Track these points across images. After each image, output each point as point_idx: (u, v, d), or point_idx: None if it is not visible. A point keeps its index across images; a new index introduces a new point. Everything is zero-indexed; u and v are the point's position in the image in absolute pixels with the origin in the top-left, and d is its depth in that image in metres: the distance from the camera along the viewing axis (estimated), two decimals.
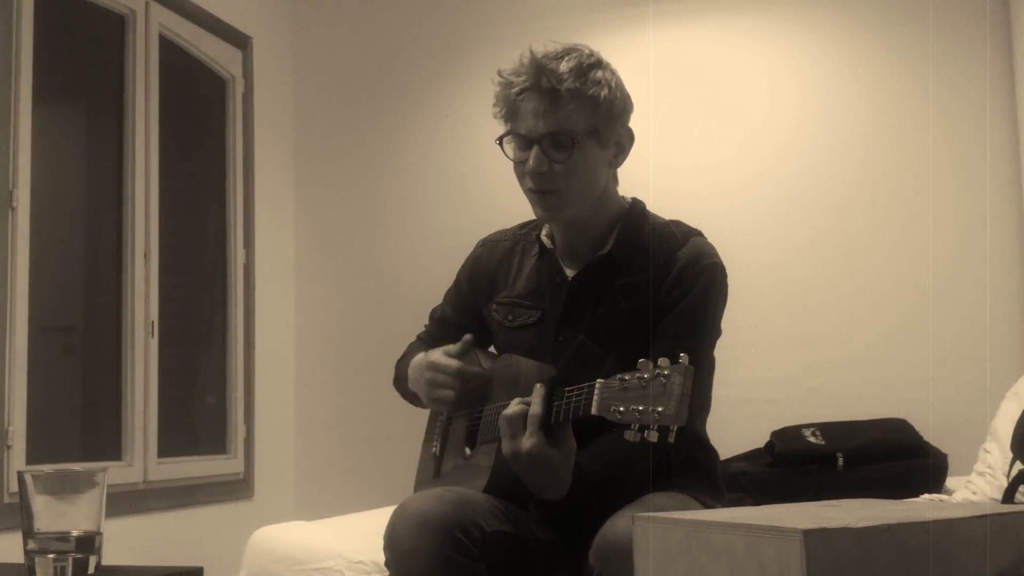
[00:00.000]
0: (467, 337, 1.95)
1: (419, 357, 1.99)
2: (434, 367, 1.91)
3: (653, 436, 1.49)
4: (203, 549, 3.50)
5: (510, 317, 2.00)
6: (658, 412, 1.48)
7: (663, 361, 1.50)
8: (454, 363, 1.89)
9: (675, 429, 1.48)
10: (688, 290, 1.85)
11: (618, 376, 1.55)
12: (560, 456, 1.67)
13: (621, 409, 1.53)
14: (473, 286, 2.09)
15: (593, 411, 1.57)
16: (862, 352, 3.82)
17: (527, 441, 1.65)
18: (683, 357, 1.49)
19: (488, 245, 2.11)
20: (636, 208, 1.97)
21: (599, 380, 1.58)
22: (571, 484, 1.69)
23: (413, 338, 2.23)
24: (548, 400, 1.67)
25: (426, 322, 2.23)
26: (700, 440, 1.95)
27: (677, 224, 1.95)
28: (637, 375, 1.52)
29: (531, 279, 1.99)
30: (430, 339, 2.18)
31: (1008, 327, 3.72)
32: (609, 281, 1.89)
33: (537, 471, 1.67)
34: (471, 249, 2.15)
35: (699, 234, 1.94)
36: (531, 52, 1.84)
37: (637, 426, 1.50)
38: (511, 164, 1.91)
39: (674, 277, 1.86)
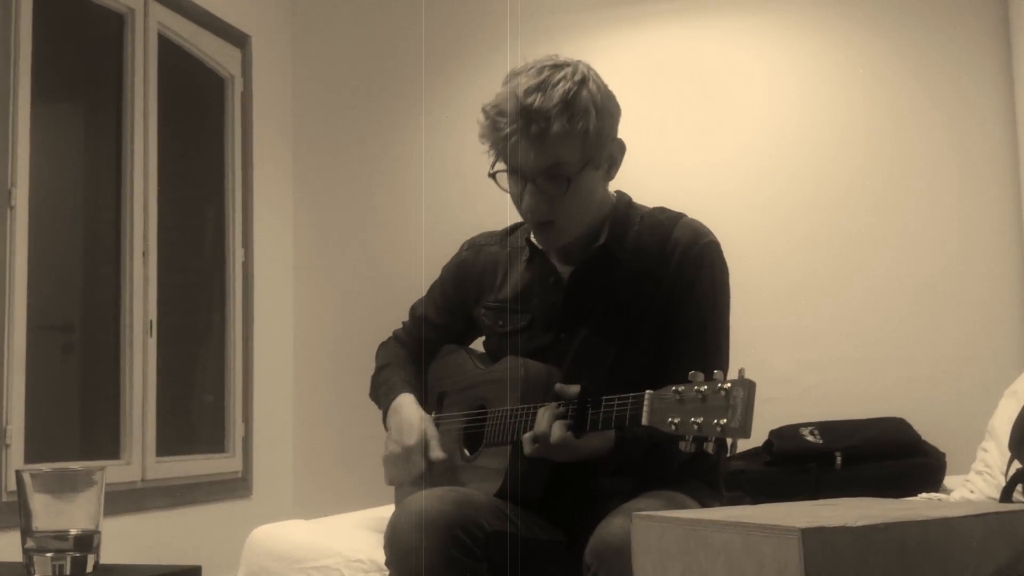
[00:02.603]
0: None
1: (405, 410, 1.99)
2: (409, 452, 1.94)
3: (711, 448, 1.49)
4: (201, 548, 3.51)
5: (500, 322, 1.98)
6: (720, 425, 1.46)
7: (718, 374, 1.50)
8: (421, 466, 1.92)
9: (734, 442, 1.48)
10: (696, 276, 1.85)
11: (672, 388, 1.54)
12: (598, 440, 1.73)
13: (677, 421, 1.52)
14: (459, 290, 2.08)
15: (644, 422, 1.57)
16: (860, 351, 3.83)
17: (559, 456, 1.73)
18: (742, 371, 1.49)
19: (474, 248, 2.09)
20: (623, 200, 1.96)
21: (648, 391, 1.58)
22: (615, 458, 1.75)
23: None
24: (581, 410, 1.68)
25: (405, 318, 2.21)
26: None
27: (663, 210, 1.96)
28: (694, 387, 1.51)
29: (520, 282, 1.97)
30: (408, 336, 2.17)
31: (1006, 326, 3.72)
32: (606, 274, 1.89)
33: (575, 459, 1.75)
34: (470, 241, 2.14)
35: (684, 216, 1.94)
36: (515, 96, 1.77)
37: (692, 438, 1.50)
38: None
39: (676, 262, 1.85)
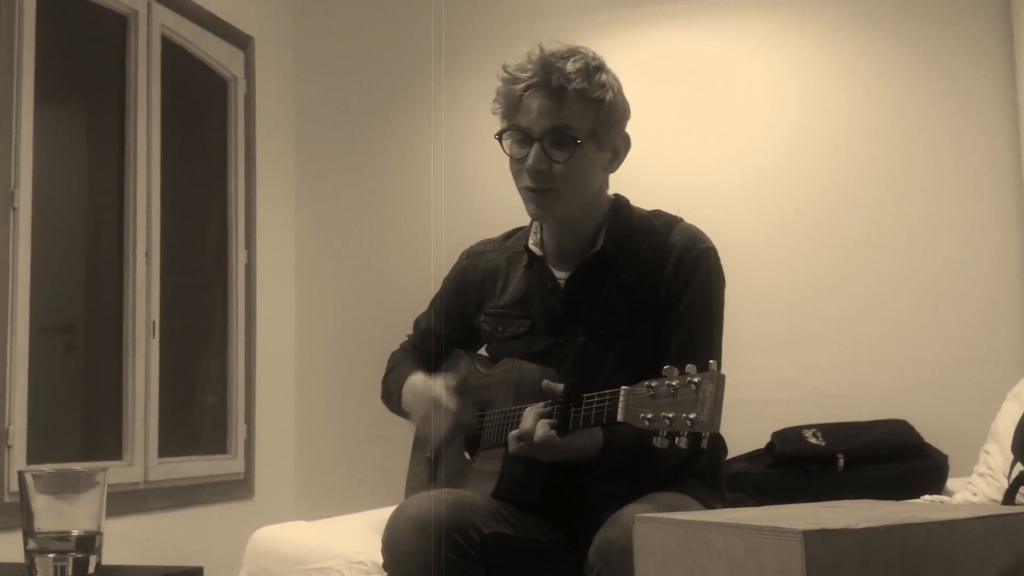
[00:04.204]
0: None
1: (418, 381, 1.99)
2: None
3: (683, 443, 1.48)
4: (203, 549, 3.51)
5: (500, 328, 1.99)
6: (690, 419, 1.47)
7: (690, 368, 1.50)
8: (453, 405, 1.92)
9: (707, 435, 1.48)
10: (690, 279, 1.85)
11: (645, 383, 1.55)
12: (585, 440, 1.72)
13: (649, 416, 1.52)
14: (460, 298, 2.09)
15: (619, 418, 1.57)
16: (863, 353, 3.82)
17: (545, 455, 1.72)
18: (712, 364, 1.49)
19: (473, 256, 2.10)
20: (620, 203, 1.97)
21: (624, 387, 1.58)
22: (603, 461, 1.75)
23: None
24: (564, 409, 1.68)
25: (410, 331, 2.22)
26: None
27: (660, 213, 1.96)
28: (666, 382, 1.51)
29: (520, 288, 1.98)
30: (414, 349, 2.18)
31: (1008, 328, 3.72)
32: (604, 278, 1.89)
33: (562, 459, 1.74)
34: (469, 250, 2.15)
35: (681, 220, 1.95)
36: (540, 49, 1.84)
37: (666, 432, 1.50)
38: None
39: (672, 267, 1.86)
